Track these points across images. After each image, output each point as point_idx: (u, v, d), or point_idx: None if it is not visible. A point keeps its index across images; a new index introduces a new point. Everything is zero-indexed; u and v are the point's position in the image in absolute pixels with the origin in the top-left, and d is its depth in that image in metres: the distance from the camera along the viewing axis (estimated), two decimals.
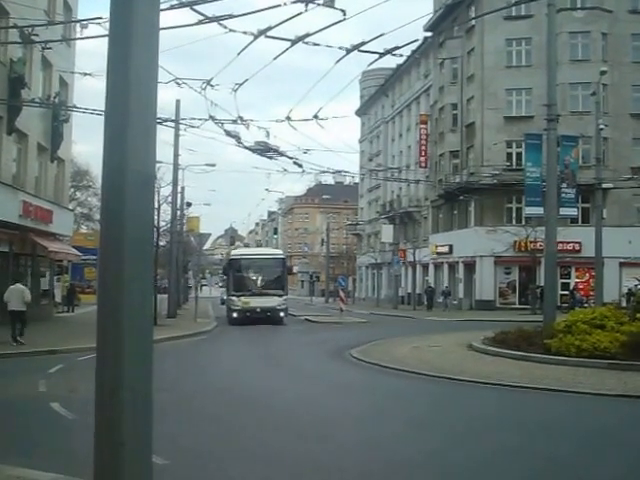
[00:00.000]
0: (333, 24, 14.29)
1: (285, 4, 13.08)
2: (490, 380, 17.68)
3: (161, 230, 43.64)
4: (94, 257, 54.52)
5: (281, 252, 54.83)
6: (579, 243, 53.57)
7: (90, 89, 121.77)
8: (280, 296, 43.09)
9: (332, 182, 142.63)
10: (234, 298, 42.96)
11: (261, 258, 46.94)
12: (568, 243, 51.12)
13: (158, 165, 37.84)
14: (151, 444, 4.18)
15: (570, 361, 19.96)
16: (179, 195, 51.50)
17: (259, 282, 44.16)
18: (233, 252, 56.14)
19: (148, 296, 4.23)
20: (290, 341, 32.02)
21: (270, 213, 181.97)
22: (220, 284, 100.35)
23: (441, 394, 17.01)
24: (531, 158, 32.05)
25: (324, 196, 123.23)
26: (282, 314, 42.77)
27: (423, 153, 71.00)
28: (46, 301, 43.15)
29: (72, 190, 66.83)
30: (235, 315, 42.46)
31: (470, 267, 61.61)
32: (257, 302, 42.01)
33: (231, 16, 14.54)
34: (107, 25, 6.30)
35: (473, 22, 57.97)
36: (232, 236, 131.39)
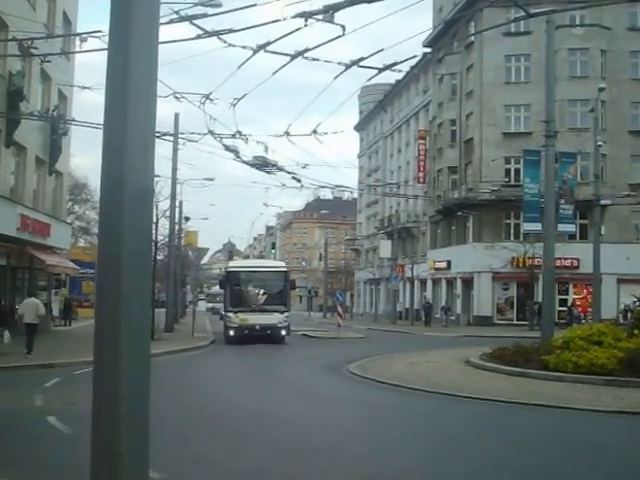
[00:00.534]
0: (332, 39, 14.33)
1: (285, 19, 13.11)
2: (487, 396, 17.66)
3: (159, 244, 43.65)
4: (92, 271, 54.40)
5: (283, 264, 48.74)
6: (577, 259, 53.58)
7: (89, 102, 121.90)
8: (282, 312, 38.77)
9: (330, 197, 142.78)
10: (231, 314, 38.89)
11: (261, 271, 41.99)
12: (566, 259, 51.12)
13: (156, 179, 37.83)
14: (148, 458, 4.18)
15: (567, 377, 19.96)
16: (177, 209, 51.46)
17: (259, 297, 39.75)
18: (231, 263, 52.49)
19: (146, 310, 4.22)
20: (287, 356, 31.99)
21: (268, 228, 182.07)
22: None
23: (438, 410, 16.98)
24: (529, 174, 32.09)
25: (322, 211, 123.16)
26: (284, 332, 38.76)
27: (422, 169, 71.22)
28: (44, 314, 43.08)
29: (70, 203, 66.89)
30: (232, 333, 38.51)
31: (468, 283, 61.66)
32: (256, 319, 37.96)
33: (231, 30, 14.59)
34: (106, 39, 6.31)
35: (472, 38, 58.22)
36: (230, 250, 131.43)
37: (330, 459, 11.28)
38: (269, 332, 37.97)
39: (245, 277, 40.99)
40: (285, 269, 43.39)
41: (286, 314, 39.18)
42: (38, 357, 26.22)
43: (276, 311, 38.72)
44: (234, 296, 40.14)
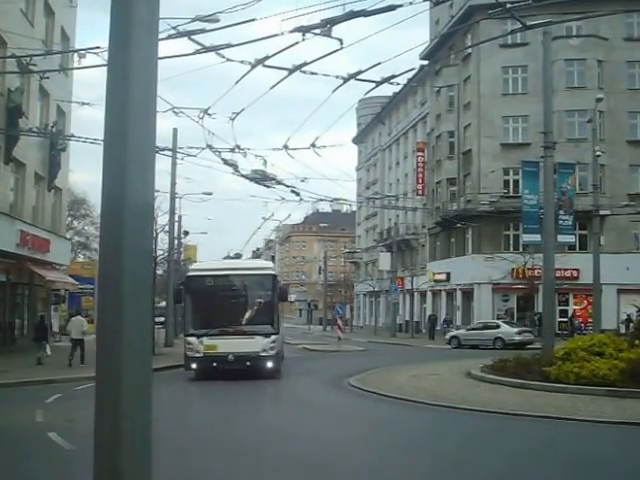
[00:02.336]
0: (330, 53, 14.36)
1: (282, 34, 13.14)
2: (488, 408, 17.63)
3: (158, 259, 43.56)
4: (91, 286, 54.42)
5: (270, 265, 34.36)
6: (577, 270, 53.52)
7: (87, 118, 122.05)
8: (267, 335, 26.98)
9: (329, 210, 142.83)
10: (193, 340, 27.11)
11: (237, 274, 28.77)
12: (566, 270, 51.11)
13: (155, 194, 37.75)
14: (151, 475, 4.16)
15: (569, 388, 19.93)
16: (176, 224, 51.45)
17: (233, 314, 28.03)
18: (194, 266, 36.90)
19: (147, 326, 4.21)
20: (288, 369, 31.85)
21: (267, 241, 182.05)
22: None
23: (439, 422, 16.95)
24: (528, 185, 32.08)
25: (321, 224, 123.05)
26: (270, 364, 26.93)
27: (420, 181, 71.20)
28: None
29: (69, 219, 66.88)
30: (195, 366, 27.13)
31: (468, 294, 61.57)
32: (229, 346, 26.48)
33: (229, 46, 14.62)
34: (105, 55, 6.33)
35: (469, 50, 58.29)
36: None
37: (331, 473, 11.27)
38: (248, 364, 26.48)
39: (212, 285, 28.28)
40: (272, 271, 30.16)
41: (274, 337, 27.36)
42: (38, 373, 26.29)
43: (258, 333, 26.98)
44: (197, 313, 28.46)
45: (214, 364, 26.38)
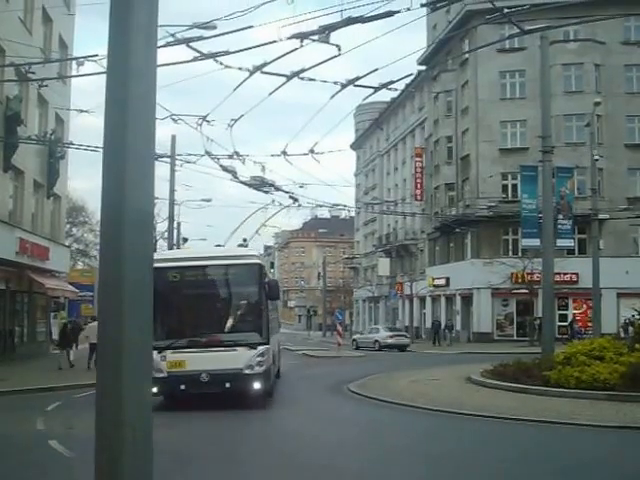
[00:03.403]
0: (328, 59, 14.40)
1: (280, 40, 13.17)
2: (488, 413, 17.59)
3: None
4: (90, 293, 54.38)
5: (254, 253, 23.40)
6: (576, 274, 53.51)
7: (85, 126, 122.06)
8: (253, 346, 19.81)
9: (328, 216, 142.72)
10: (154, 354, 15.68)
11: (210, 265, 21.08)
12: (565, 274, 51.10)
13: (155, 201, 37.67)
14: None
15: (569, 393, 19.89)
16: (175, 231, 51.34)
17: (206, 318, 21.07)
18: (160, 255, 22.54)
19: (147, 334, 4.21)
20: (288, 375, 31.83)
21: (266, 247, 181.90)
22: None
23: (438, 427, 16.92)
24: (527, 190, 32.12)
25: (320, 230, 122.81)
26: (258, 385, 19.77)
27: (419, 186, 71.15)
28: (42, 338, 43.13)
29: (68, 226, 66.85)
30: (156, 390, 18.07)
31: (467, 299, 61.56)
32: (202, 362, 19.48)
33: (227, 52, 14.65)
34: (103, 62, 6.35)
35: (467, 55, 58.31)
36: None
37: (331, 475, 11.31)
38: (228, 385, 19.58)
39: (178, 280, 20.50)
40: (257, 260, 21.60)
41: (262, 349, 20.04)
42: (39, 381, 26.25)
43: (241, 344, 19.97)
44: (158, 318, 18.09)
45: (182, 386, 19.62)
